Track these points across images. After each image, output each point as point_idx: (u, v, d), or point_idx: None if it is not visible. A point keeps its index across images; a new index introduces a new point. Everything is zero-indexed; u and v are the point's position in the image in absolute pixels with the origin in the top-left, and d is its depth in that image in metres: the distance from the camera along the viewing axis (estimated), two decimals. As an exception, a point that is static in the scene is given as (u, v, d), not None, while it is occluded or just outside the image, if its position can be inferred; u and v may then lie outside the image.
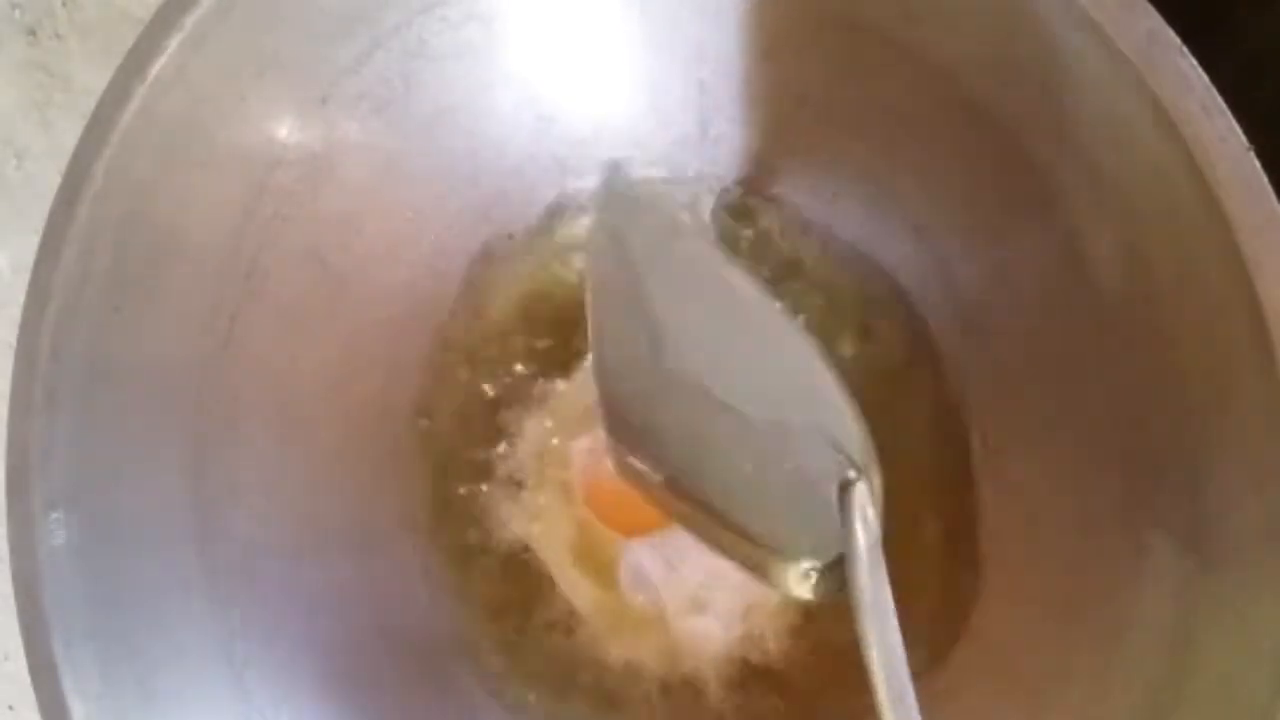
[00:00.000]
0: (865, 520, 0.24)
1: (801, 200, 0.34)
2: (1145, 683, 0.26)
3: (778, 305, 0.27)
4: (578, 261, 0.35)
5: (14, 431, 0.27)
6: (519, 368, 0.35)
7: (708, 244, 0.27)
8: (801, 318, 0.34)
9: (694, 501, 0.27)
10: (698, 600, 0.33)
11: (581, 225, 0.35)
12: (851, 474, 0.24)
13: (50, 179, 0.35)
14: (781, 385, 0.26)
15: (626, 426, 0.28)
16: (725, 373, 0.26)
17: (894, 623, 0.22)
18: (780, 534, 0.25)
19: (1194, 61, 0.23)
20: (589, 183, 0.34)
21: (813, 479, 0.25)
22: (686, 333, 0.27)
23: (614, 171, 0.30)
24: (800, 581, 0.25)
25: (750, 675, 0.33)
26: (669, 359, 0.27)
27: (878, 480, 0.25)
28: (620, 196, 0.30)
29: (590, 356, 0.29)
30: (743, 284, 0.27)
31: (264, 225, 0.30)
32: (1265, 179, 0.22)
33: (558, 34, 0.32)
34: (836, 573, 0.24)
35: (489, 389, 0.35)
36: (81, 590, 0.28)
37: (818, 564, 0.25)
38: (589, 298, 0.29)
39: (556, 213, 0.35)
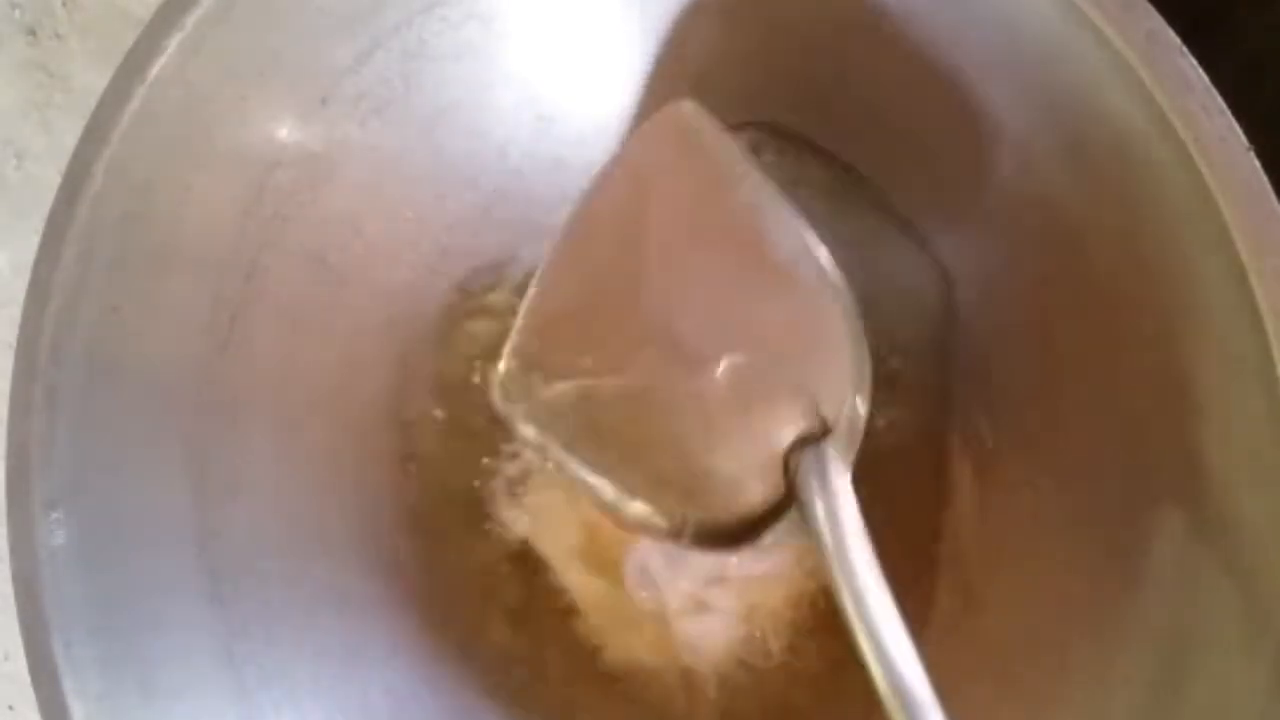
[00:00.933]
0: (824, 480, 0.23)
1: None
2: (1145, 682, 0.26)
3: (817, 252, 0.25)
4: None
5: (14, 431, 0.27)
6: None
7: (763, 195, 0.25)
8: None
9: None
10: (700, 600, 0.33)
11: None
12: (815, 431, 0.24)
13: (50, 179, 0.35)
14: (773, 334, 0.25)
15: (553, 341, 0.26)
16: (702, 318, 0.25)
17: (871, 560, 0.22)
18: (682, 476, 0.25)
19: (1194, 61, 0.23)
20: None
21: (764, 431, 0.24)
22: (676, 280, 0.25)
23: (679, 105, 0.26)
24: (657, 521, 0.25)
25: (752, 675, 0.33)
26: (645, 302, 0.25)
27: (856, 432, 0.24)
28: (673, 131, 0.27)
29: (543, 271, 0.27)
30: (786, 232, 0.25)
31: (264, 225, 0.30)
32: (1265, 179, 0.22)
33: (558, 34, 0.32)
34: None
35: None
36: (81, 590, 0.28)
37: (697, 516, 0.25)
38: (571, 222, 0.27)
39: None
